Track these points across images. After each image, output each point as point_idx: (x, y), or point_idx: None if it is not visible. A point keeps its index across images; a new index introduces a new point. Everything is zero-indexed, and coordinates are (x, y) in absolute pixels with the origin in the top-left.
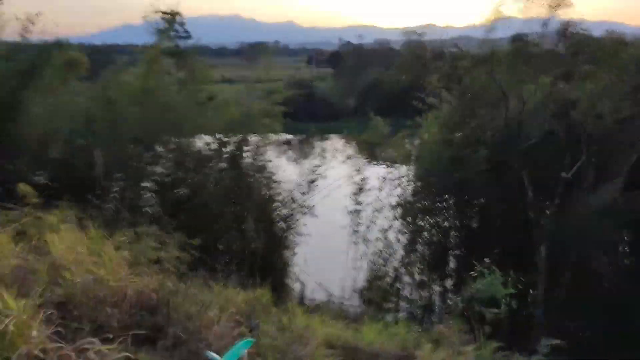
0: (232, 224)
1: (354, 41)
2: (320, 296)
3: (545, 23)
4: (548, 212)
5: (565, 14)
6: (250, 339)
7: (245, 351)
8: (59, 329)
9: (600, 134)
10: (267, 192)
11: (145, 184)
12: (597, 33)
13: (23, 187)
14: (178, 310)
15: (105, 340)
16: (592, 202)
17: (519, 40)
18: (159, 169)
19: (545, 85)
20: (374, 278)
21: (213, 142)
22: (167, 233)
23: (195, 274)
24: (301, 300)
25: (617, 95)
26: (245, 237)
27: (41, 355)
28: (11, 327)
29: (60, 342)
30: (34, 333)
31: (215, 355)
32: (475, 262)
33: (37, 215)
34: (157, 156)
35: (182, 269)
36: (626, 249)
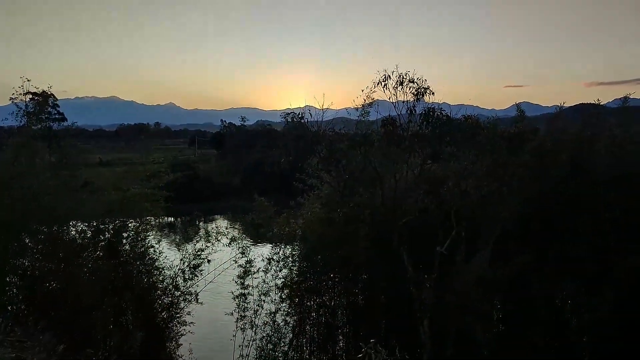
0: (109, 317)
1: (237, 122)
2: None
3: (411, 108)
4: (428, 286)
5: (429, 99)
6: None
7: None
8: None
9: (467, 210)
10: (148, 280)
11: (9, 279)
12: (457, 116)
13: None
14: None
15: None
16: (466, 274)
17: (389, 123)
18: (25, 262)
19: (415, 166)
20: None
21: (88, 230)
22: (32, 335)
23: None
24: None
25: (478, 173)
26: (124, 330)
27: None
28: None
29: None
30: None
31: None
32: (363, 341)
33: None
34: (23, 247)
35: None
36: (500, 315)
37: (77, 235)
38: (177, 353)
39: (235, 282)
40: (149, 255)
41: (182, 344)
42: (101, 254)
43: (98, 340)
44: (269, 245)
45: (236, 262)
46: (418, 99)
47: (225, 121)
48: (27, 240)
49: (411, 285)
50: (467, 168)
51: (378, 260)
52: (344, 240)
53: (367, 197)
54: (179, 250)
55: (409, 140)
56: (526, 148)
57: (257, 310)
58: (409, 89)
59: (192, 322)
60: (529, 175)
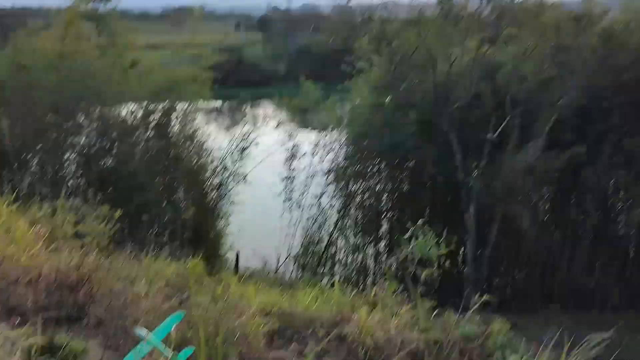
0: (161, 194)
1: (282, 6)
2: (255, 264)
3: None
4: (476, 173)
5: None
6: (181, 311)
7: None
8: None
9: (523, 96)
10: (198, 161)
11: (67, 155)
12: None
13: None
14: (102, 286)
15: (18, 324)
16: (516, 162)
17: (445, 3)
18: (82, 140)
19: (471, 49)
20: (309, 243)
21: (139, 111)
22: (90, 205)
23: (121, 247)
24: (236, 269)
25: (539, 57)
26: (176, 208)
27: None
28: None
29: None
30: None
31: (144, 330)
32: (408, 224)
33: None
34: (78, 126)
35: (106, 242)
36: (546, 205)
37: (128, 115)
38: (227, 230)
39: (283, 165)
40: (197, 137)
41: (231, 222)
42: (151, 134)
43: (152, 216)
44: (315, 130)
45: (283, 145)
46: None
47: (270, 4)
48: (81, 120)
49: (459, 171)
50: (527, 51)
51: (426, 146)
52: (392, 126)
53: (418, 81)
54: (227, 133)
55: (466, 21)
56: (594, 30)
57: (304, 192)
58: None
59: (240, 202)
60: (594, 60)
